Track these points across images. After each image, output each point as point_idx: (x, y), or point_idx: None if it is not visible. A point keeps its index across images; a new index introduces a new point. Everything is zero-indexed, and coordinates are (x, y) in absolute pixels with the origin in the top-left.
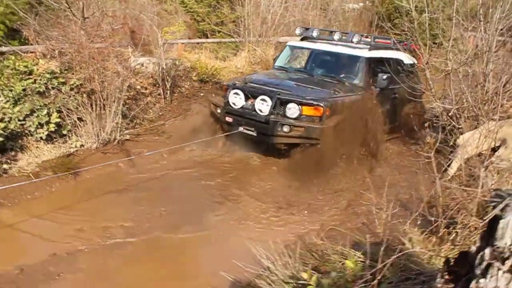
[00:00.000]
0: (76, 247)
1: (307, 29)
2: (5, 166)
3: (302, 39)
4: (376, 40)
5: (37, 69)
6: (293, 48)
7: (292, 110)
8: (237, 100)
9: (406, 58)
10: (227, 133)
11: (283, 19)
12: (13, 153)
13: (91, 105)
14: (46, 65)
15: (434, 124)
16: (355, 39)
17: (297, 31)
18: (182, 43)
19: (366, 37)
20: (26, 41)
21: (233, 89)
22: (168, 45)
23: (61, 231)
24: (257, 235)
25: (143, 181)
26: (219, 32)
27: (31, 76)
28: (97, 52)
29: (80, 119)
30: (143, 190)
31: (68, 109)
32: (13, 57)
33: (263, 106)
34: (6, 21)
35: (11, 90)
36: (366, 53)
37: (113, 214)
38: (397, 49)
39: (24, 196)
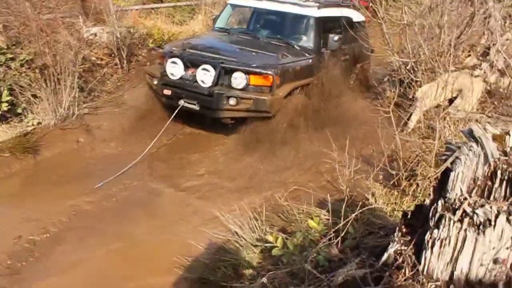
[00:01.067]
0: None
1: None
2: None
3: None
4: None
5: None
6: (234, 6)
7: (238, 80)
8: (175, 70)
9: (356, 16)
10: (171, 117)
11: None
12: None
13: (45, 80)
14: None
15: (393, 78)
16: None
17: None
18: (136, 9)
19: None
20: None
21: (170, 57)
22: (122, 12)
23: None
24: (224, 203)
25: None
26: None
27: None
28: (46, 24)
29: (34, 96)
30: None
31: (20, 86)
32: None
33: (205, 76)
34: None
35: None
36: (315, 12)
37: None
38: (347, 6)
39: None
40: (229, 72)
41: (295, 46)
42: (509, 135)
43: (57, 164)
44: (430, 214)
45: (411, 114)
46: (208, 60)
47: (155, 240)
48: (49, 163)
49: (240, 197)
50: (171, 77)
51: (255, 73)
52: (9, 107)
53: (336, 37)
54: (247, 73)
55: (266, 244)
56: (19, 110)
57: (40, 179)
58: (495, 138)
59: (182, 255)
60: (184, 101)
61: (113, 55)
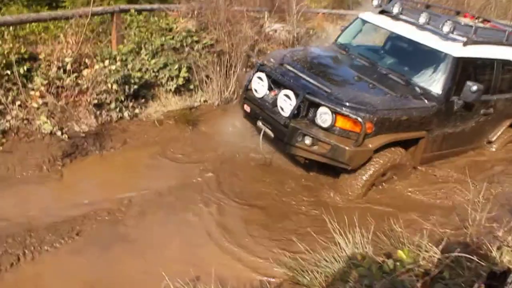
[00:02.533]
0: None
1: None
2: (136, 110)
3: (381, 13)
4: (482, 28)
5: (176, 27)
6: (365, 22)
7: (324, 117)
8: (259, 87)
9: None
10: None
11: None
12: (144, 101)
13: (219, 64)
14: (185, 24)
15: None
16: (446, 28)
17: (374, 2)
18: (323, 13)
19: (476, 18)
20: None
21: (258, 71)
22: (311, 14)
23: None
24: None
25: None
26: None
27: (170, 33)
28: (232, 16)
29: (207, 76)
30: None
31: (197, 66)
32: (163, 14)
33: (285, 103)
34: None
35: (151, 45)
36: (457, 49)
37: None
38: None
39: (147, 138)
40: (316, 105)
41: (415, 87)
42: None
43: (208, 139)
44: (509, 279)
45: None
46: (293, 85)
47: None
48: (202, 136)
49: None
50: (254, 93)
51: (343, 114)
52: (184, 82)
53: (474, 87)
54: (334, 111)
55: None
56: (192, 87)
57: (187, 147)
58: None
59: (282, 249)
60: (262, 123)
61: None
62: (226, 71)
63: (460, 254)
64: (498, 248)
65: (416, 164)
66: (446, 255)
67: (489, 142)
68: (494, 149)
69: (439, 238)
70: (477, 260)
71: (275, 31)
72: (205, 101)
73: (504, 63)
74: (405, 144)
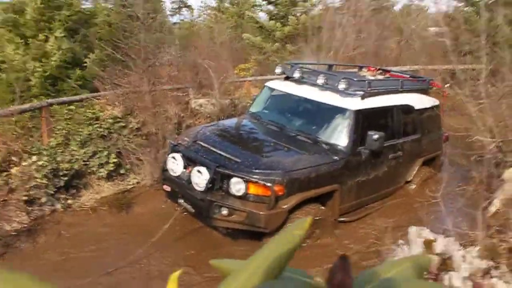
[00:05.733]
0: None
1: (292, 66)
2: (69, 201)
3: (286, 79)
4: (377, 80)
5: (103, 115)
6: (272, 90)
7: (237, 186)
8: (175, 166)
9: (419, 102)
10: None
11: (353, 52)
12: (76, 191)
13: (149, 145)
14: (111, 111)
15: (479, 158)
16: (341, 86)
17: (277, 70)
18: (249, 81)
19: (377, 70)
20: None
21: (171, 152)
22: (240, 82)
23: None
24: None
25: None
26: None
27: (97, 122)
28: (157, 97)
29: (138, 158)
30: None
31: (127, 150)
32: (93, 102)
33: (199, 179)
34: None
35: (79, 135)
36: (355, 103)
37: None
38: (410, 91)
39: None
40: (228, 176)
41: (323, 144)
42: (436, 242)
43: (142, 220)
44: None
45: (494, 197)
46: (204, 160)
47: None
48: (136, 219)
49: None
50: (171, 172)
51: (253, 181)
52: (115, 167)
53: (375, 136)
54: (245, 180)
55: None
56: (123, 171)
57: (122, 232)
58: (425, 243)
59: None
60: (183, 201)
61: None
62: (156, 151)
63: None
64: None
65: (336, 216)
66: None
67: (408, 182)
68: (413, 187)
69: None
70: None
71: (201, 105)
72: (137, 182)
73: (403, 108)
74: (322, 199)
